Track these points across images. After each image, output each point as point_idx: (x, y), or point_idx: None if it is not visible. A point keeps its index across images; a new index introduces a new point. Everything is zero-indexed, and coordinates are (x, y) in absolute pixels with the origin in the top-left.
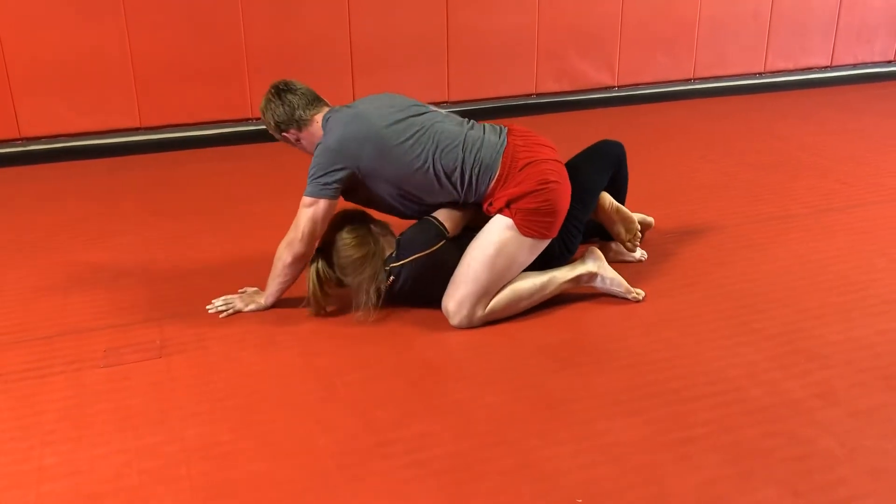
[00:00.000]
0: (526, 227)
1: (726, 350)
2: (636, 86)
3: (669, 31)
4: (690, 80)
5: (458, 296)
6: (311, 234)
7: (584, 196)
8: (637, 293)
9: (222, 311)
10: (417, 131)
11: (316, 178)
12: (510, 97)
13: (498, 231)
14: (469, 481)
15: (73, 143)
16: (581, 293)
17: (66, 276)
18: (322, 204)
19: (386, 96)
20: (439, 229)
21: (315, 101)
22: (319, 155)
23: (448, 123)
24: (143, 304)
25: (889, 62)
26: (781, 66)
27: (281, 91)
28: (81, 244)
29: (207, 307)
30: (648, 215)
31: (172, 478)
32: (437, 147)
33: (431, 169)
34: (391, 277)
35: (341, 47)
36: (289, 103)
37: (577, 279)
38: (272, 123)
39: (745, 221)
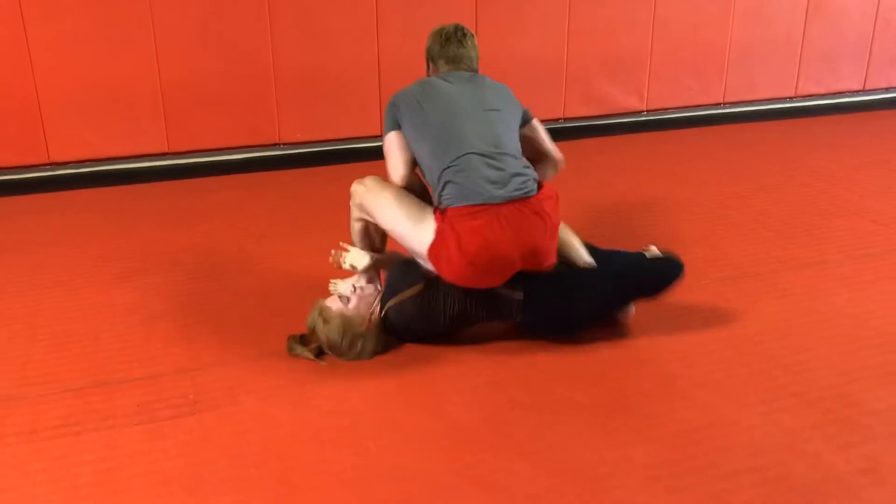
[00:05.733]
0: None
1: (765, 417)
2: (665, 110)
3: (699, 55)
4: (720, 104)
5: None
6: (395, 165)
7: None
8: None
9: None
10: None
11: (385, 121)
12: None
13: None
14: None
15: (102, 168)
16: (618, 350)
17: (96, 317)
18: (391, 136)
19: (489, 91)
20: (422, 271)
21: (454, 63)
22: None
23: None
24: (174, 352)
25: None
26: (813, 90)
27: (453, 35)
28: (111, 281)
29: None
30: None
31: None
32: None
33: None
34: (383, 312)
35: (370, 71)
36: (439, 44)
37: None
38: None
39: (779, 268)
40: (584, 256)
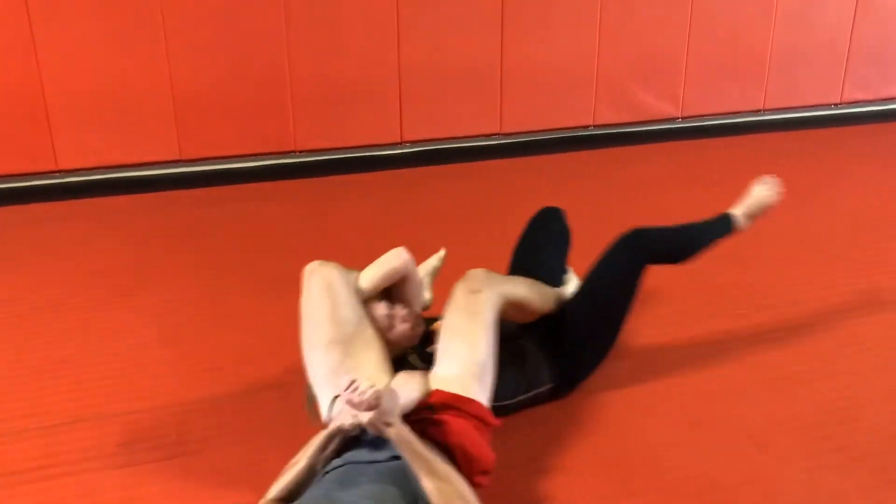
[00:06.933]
0: None
1: (809, 474)
2: (702, 117)
3: (738, 58)
4: (760, 111)
5: None
6: None
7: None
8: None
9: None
10: None
11: None
12: (566, 129)
13: None
14: None
15: (111, 176)
16: (637, 388)
17: (85, 342)
18: None
19: None
20: None
21: None
22: None
23: None
24: (162, 384)
25: None
26: (859, 96)
27: None
28: (107, 301)
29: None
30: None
31: None
32: None
33: None
34: None
35: (389, 77)
36: None
37: None
38: None
39: (825, 296)
40: (552, 295)
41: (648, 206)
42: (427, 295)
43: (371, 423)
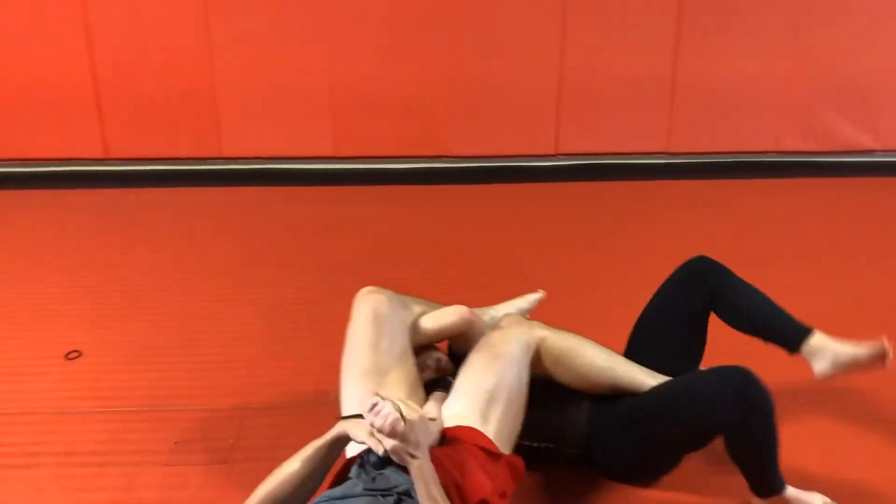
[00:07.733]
0: None
1: None
2: None
3: None
4: None
5: None
6: None
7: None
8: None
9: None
10: None
11: None
12: (741, 153)
13: None
14: None
15: (269, 167)
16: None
17: (185, 331)
18: None
19: None
20: None
21: None
22: None
23: None
24: (236, 386)
25: None
26: None
27: None
28: (222, 291)
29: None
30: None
31: None
32: None
33: None
34: None
35: (548, 86)
36: None
37: None
38: None
39: None
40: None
41: (829, 246)
42: None
43: (395, 450)
